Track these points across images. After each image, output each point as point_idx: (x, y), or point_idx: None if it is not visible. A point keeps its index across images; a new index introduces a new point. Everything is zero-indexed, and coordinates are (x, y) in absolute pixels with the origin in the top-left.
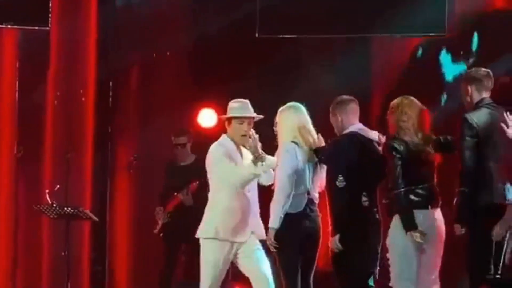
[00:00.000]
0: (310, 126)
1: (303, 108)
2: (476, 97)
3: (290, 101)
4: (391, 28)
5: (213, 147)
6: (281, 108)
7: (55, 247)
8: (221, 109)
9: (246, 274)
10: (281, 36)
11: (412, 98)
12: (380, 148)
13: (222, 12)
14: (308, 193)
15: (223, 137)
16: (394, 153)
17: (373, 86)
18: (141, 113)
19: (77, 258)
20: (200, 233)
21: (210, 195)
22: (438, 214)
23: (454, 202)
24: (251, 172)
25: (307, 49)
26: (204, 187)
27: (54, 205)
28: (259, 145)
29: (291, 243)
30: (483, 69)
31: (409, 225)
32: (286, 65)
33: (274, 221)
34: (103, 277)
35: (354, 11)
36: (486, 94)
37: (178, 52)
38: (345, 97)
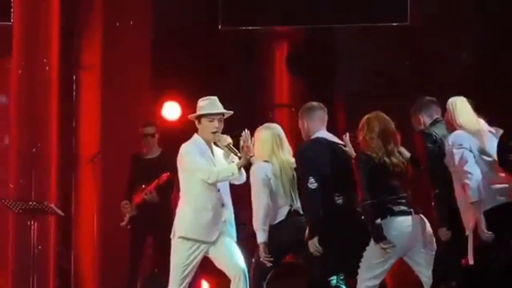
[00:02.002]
0: (285, 144)
1: (278, 127)
2: (428, 122)
3: (254, 92)
4: (355, 17)
5: (185, 146)
6: (258, 128)
7: (20, 242)
8: (185, 101)
9: (220, 266)
10: (244, 27)
11: (379, 113)
12: (347, 149)
13: (184, 4)
14: (291, 205)
15: (194, 136)
16: (361, 166)
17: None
18: (104, 107)
19: (42, 252)
20: (172, 233)
21: (180, 195)
22: (421, 218)
23: (433, 207)
24: (231, 171)
25: (271, 40)
26: (171, 181)
27: (19, 200)
28: (250, 144)
29: (269, 253)
30: (427, 97)
31: (377, 236)
32: (250, 57)
33: (260, 236)
34: (68, 272)
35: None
36: (436, 116)
37: (141, 45)
38: (313, 104)
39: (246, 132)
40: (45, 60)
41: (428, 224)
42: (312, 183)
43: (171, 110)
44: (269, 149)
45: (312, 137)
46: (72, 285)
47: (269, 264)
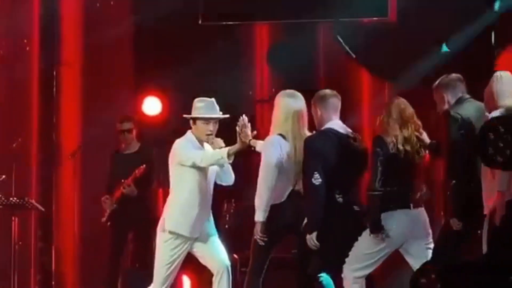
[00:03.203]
0: (305, 118)
1: (303, 99)
2: (453, 101)
3: (233, 88)
4: (335, 12)
5: (178, 142)
6: (280, 93)
7: (1, 238)
8: (165, 97)
9: (203, 262)
10: (224, 23)
11: (400, 99)
12: (356, 144)
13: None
14: (293, 185)
15: (188, 133)
16: (376, 149)
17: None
18: (85, 102)
19: (23, 248)
20: (159, 227)
21: (170, 190)
22: (421, 212)
23: (448, 196)
24: (221, 154)
25: (250, 36)
26: (149, 175)
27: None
28: (249, 131)
29: (266, 233)
30: (454, 74)
31: (374, 228)
32: (230, 52)
33: (259, 215)
34: (50, 267)
35: None
36: (461, 94)
37: (120, 40)
38: (327, 91)
39: (243, 118)
40: (25, 41)
41: (426, 218)
42: (317, 179)
43: (151, 106)
44: (288, 121)
45: (323, 128)
46: (53, 280)
47: (262, 243)
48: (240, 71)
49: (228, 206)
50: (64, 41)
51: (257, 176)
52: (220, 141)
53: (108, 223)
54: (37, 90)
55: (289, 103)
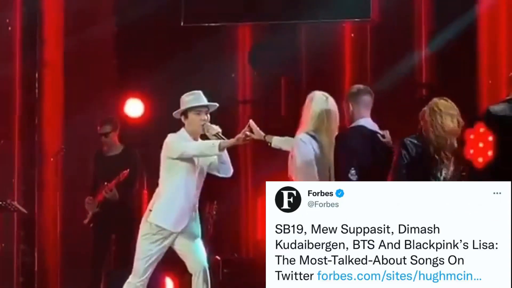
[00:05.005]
0: (337, 119)
1: (332, 99)
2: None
3: (216, 89)
4: (316, 13)
5: (171, 135)
6: (311, 94)
7: None
8: (147, 98)
9: (182, 258)
10: (206, 24)
11: (449, 102)
12: (384, 141)
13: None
14: None
15: (181, 130)
16: (402, 156)
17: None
18: (67, 103)
19: (5, 250)
20: (144, 217)
21: (159, 183)
22: None
23: None
24: (214, 144)
25: (232, 38)
26: (132, 178)
27: None
28: (260, 131)
29: None
30: None
31: None
32: (212, 53)
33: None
34: (32, 269)
35: None
36: None
37: (103, 41)
38: (360, 87)
39: (251, 122)
40: (8, 21)
41: None
42: (353, 175)
43: (134, 107)
44: (321, 118)
45: (354, 125)
46: (35, 282)
47: None
48: (222, 72)
49: (210, 207)
50: (46, 42)
51: (240, 177)
52: (216, 128)
53: (91, 225)
54: (19, 91)
55: (322, 103)
